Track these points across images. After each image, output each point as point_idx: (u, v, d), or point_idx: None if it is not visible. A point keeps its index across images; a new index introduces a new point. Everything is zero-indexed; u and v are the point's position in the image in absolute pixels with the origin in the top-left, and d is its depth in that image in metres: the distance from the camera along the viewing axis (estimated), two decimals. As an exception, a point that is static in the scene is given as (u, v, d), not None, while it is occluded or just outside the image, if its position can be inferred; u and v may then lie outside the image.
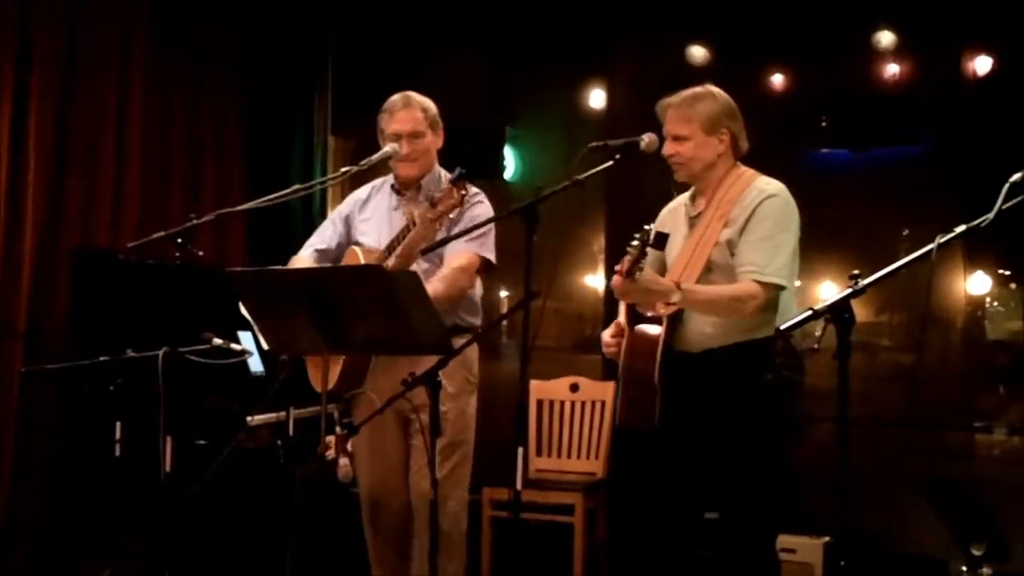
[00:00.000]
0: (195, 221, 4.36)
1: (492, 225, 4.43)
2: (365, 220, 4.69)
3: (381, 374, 4.35)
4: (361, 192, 4.79)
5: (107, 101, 6.06)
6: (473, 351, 4.60)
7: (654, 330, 4.03)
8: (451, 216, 4.10)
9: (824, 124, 6.33)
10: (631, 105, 6.53)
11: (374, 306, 3.65)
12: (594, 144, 3.85)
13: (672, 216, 4.29)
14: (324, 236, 4.77)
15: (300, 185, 4.66)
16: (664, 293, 3.80)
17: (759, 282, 3.89)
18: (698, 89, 4.12)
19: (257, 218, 6.60)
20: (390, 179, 4.69)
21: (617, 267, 3.76)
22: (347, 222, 4.73)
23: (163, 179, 6.42)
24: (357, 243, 4.63)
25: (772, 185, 4.05)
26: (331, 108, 7.38)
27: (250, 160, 7.00)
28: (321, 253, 4.71)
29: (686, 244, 4.07)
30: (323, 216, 7.18)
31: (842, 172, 6.40)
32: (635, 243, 3.61)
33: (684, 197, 4.26)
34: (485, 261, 4.50)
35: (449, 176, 4.21)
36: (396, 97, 4.57)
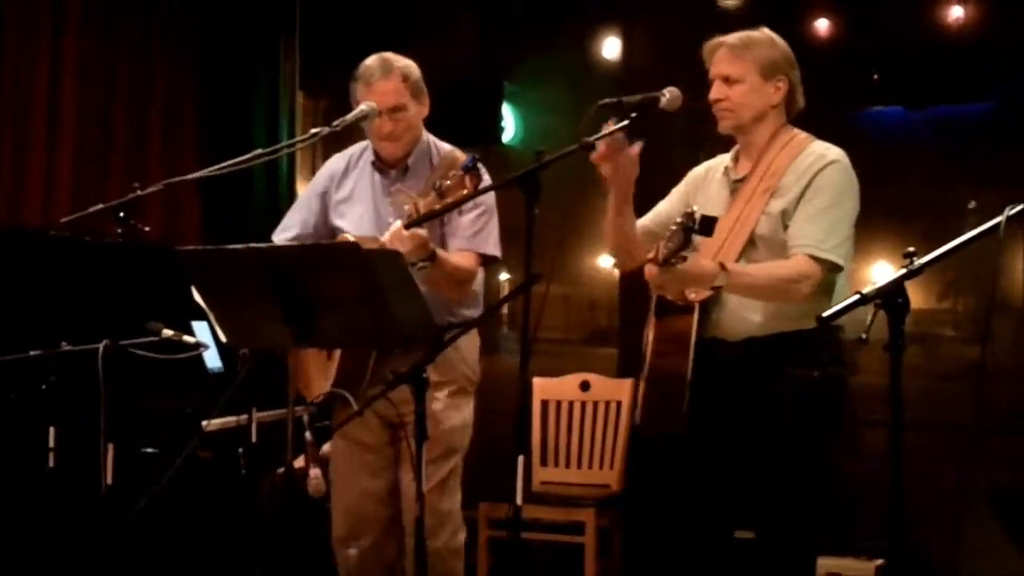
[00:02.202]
0: (140, 192, 4.35)
1: (489, 214, 4.48)
2: (344, 200, 4.69)
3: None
4: (336, 164, 4.78)
5: (37, 51, 6.06)
6: (473, 345, 4.61)
7: (684, 319, 4.02)
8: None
9: (875, 78, 6.33)
10: (651, 56, 6.53)
11: (350, 291, 3.65)
12: (605, 101, 3.83)
13: (707, 179, 4.30)
14: (299, 218, 4.76)
15: (263, 150, 4.63)
16: (707, 277, 3.79)
17: (815, 259, 3.90)
18: (753, 31, 4.13)
19: (213, 189, 6.59)
20: (369, 151, 4.69)
21: (650, 254, 3.77)
22: (323, 200, 4.72)
23: (103, 144, 6.41)
24: (337, 228, 4.63)
25: (832, 151, 4.06)
26: (299, 60, 7.37)
27: (205, 121, 7.00)
28: (297, 240, 4.70)
29: (727, 214, 4.07)
30: (290, 186, 7.21)
31: (896, 134, 6.40)
32: (675, 228, 3.58)
33: (724, 158, 4.27)
34: (487, 256, 4.54)
35: (446, 147, 4.21)
36: (372, 61, 4.52)
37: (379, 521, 4.63)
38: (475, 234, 4.45)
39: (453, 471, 4.59)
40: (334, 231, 4.65)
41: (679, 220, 3.55)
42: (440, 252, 4.28)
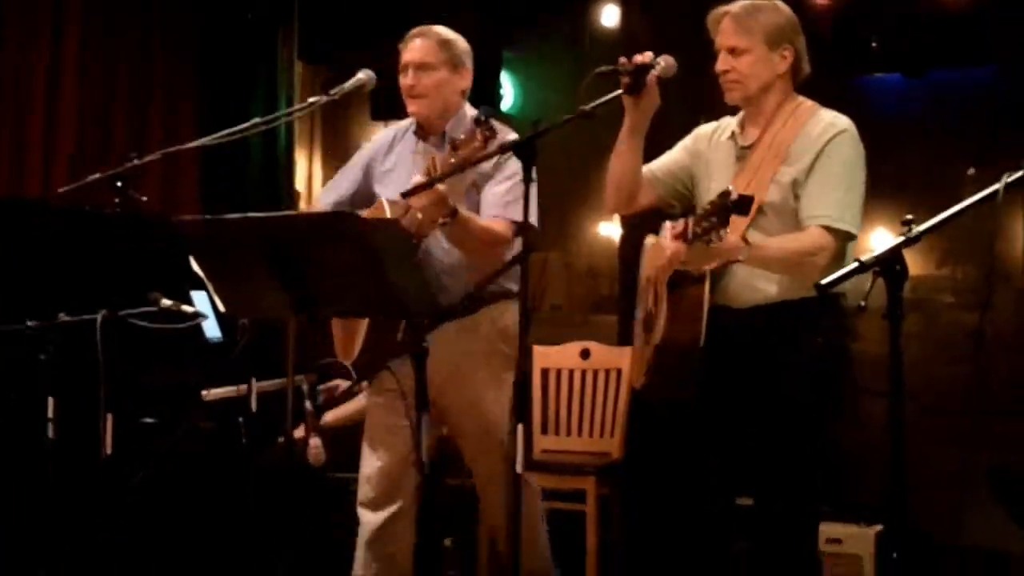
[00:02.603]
0: (137, 161, 4.35)
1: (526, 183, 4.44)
2: (387, 172, 4.70)
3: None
4: (384, 135, 4.81)
5: (38, 18, 6.03)
6: (511, 318, 4.59)
7: (697, 288, 4.02)
8: (483, 168, 4.10)
9: (873, 45, 6.30)
10: (650, 24, 6.50)
11: (347, 261, 3.63)
12: (601, 69, 3.84)
13: (713, 140, 4.30)
14: (339, 186, 4.79)
15: (261, 119, 4.63)
16: (733, 252, 3.79)
17: (830, 230, 3.91)
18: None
19: (212, 158, 6.59)
20: (414, 122, 4.72)
21: (673, 229, 3.80)
22: (367, 170, 4.74)
23: (102, 112, 6.40)
24: (377, 196, 4.63)
25: (841, 120, 4.07)
26: (298, 29, 7.34)
27: (203, 90, 6.98)
28: (336, 208, 4.71)
29: (735, 182, 4.05)
30: (288, 156, 7.19)
31: (895, 101, 6.38)
32: (710, 207, 3.58)
33: (731, 122, 4.27)
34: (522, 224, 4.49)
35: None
36: (417, 28, 4.62)
37: (409, 488, 4.61)
38: (509, 203, 4.40)
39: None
40: (374, 199, 4.65)
41: (714, 199, 3.56)
42: (463, 211, 4.26)
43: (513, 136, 4.42)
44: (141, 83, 6.65)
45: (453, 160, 3.99)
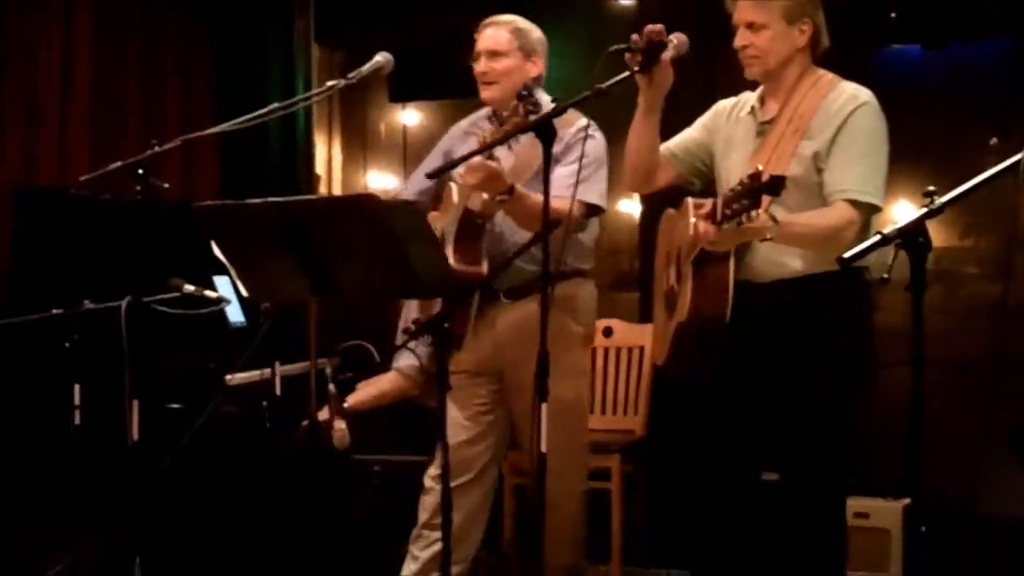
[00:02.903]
0: (157, 148, 4.35)
1: (595, 166, 4.57)
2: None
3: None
4: (461, 124, 4.93)
5: (50, 4, 6.04)
6: (583, 295, 4.71)
7: (722, 265, 4.01)
8: (556, 149, 4.14)
9: (892, 16, 6.27)
10: (665, 1, 6.47)
11: (367, 243, 3.65)
12: (614, 48, 3.84)
13: (732, 116, 4.31)
14: (420, 178, 4.83)
15: (280, 103, 4.63)
16: (759, 232, 3.75)
17: (856, 204, 3.91)
18: None
19: (230, 144, 6.59)
20: (490, 109, 4.82)
21: (700, 209, 3.81)
22: (444, 159, 4.78)
23: (117, 100, 6.40)
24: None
25: (862, 92, 4.06)
26: (314, 11, 7.33)
27: (220, 76, 6.98)
28: (419, 196, 4.83)
29: (756, 157, 4.05)
30: (307, 140, 7.20)
31: (915, 73, 6.35)
32: (740, 188, 3.56)
33: (750, 97, 4.27)
34: (589, 205, 4.59)
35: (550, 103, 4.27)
36: (491, 17, 4.77)
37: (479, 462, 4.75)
38: (573, 184, 4.30)
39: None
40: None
41: (744, 180, 3.54)
42: (520, 187, 4.34)
43: (581, 118, 4.47)
44: (155, 69, 6.64)
45: (498, 135, 4.13)
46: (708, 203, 3.84)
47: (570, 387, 4.63)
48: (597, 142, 4.62)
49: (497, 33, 4.71)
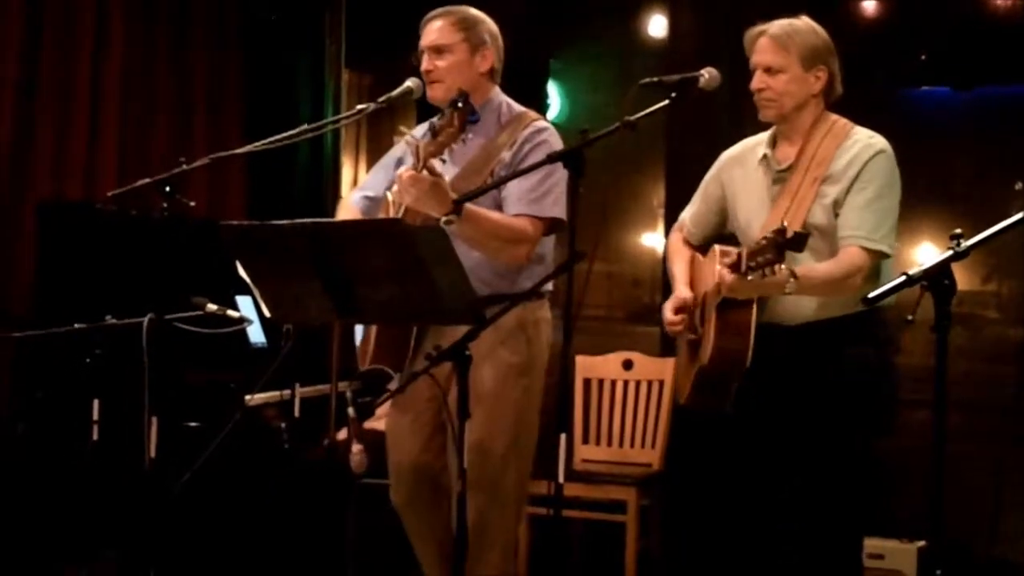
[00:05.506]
0: (185, 167, 4.36)
1: (556, 176, 4.21)
2: None
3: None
4: (418, 130, 4.62)
5: (81, 25, 6.07)
6: (543, 316, 4.44)
7: (745, 310, 4.06)
8: (503, 159, 4.09)
9: (923, 58, 6.28)
10: (697, 35, 6.49)
11: (391, 267, 3.64)
12: (645, 80, 3.87)
13: (742, 167, 4.33)
14: (375, 182, 4.65)
15: (308, 125, 4.63)
16: (780, 287, 3.80)
17: (866, 250, 3.98)
18: (794, 20, 4.16)
19: (259, 164, 6.61)
20: None
21: (726, 259, 3.85)
22: (400, 166, 4.68)
23: (147, 118, 6.42)
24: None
25: (878, 139, 4.12)
26: (344, 37, 7.37)
27: (250, 97, 7.00)
28: (371, 201, 4.58)
29: (777, 206, 4.12)
30: (335, 163, 7.21)
31: (943, 114, 6.35)
32: (765, 243, 3.62)
33: (760, 142, 4.29)
34: (552, 220, 4.26)
35: (519, 109, 4.21)
36: (436, 9, 4.45)
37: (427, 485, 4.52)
38: (533, 199, 4.21)
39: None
40: None
41: (769, 235, 3.61)
42: (470, 205, 3.99)
43: (537, 119, 4.39)
44: (185, 90, 6.66)
45: (431, 148, 3.85)
46: (734, 252, 3.90)
47: (501, 417, 4.32)
48: (551, 146, 4.23)
49: (440, 26, 4.34)
